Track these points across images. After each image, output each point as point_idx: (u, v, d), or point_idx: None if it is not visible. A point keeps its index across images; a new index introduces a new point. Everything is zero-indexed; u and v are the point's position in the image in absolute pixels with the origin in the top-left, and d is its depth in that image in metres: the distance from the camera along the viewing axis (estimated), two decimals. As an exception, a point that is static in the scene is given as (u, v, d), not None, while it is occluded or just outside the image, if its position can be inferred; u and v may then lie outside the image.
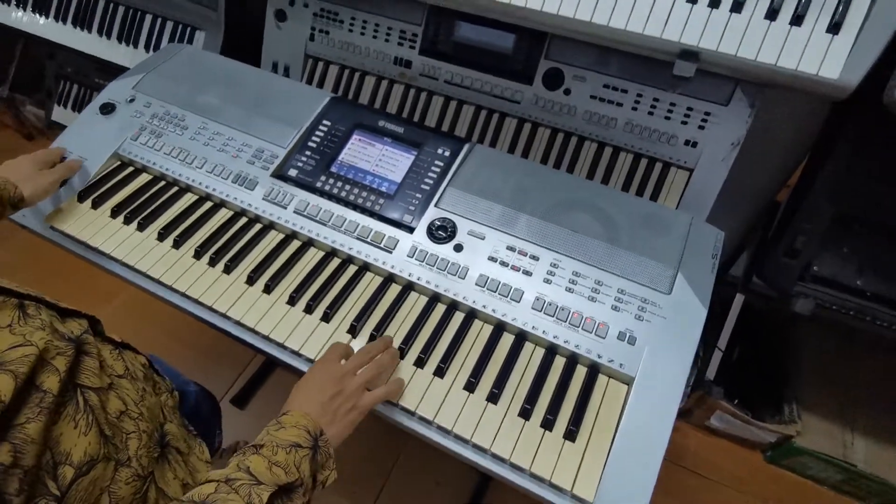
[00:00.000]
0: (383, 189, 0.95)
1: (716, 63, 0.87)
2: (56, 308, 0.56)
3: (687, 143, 1.14)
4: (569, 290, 0.82)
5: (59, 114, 2.05)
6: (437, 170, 0.95)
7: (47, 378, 0.47)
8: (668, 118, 1.14)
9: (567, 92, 1.20)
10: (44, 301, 0.55)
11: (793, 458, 1.52)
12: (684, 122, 1.13)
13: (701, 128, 1.12)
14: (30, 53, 2.10)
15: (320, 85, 1.40)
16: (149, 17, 1.58)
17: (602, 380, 0.77)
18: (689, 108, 1.12)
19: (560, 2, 0.91)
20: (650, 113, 1.15)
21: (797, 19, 0.79)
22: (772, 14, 0.81)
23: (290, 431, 0.60)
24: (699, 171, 1.14)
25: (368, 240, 0.89)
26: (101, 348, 0.60)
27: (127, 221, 0.94)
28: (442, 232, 0.89)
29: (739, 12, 0.82)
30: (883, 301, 1.12)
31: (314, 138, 1.01)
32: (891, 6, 0.75)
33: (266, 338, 0.82)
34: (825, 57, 0.78)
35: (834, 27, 0.78)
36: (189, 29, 1.54)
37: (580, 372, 0.78)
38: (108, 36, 1.63)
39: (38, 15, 1.72)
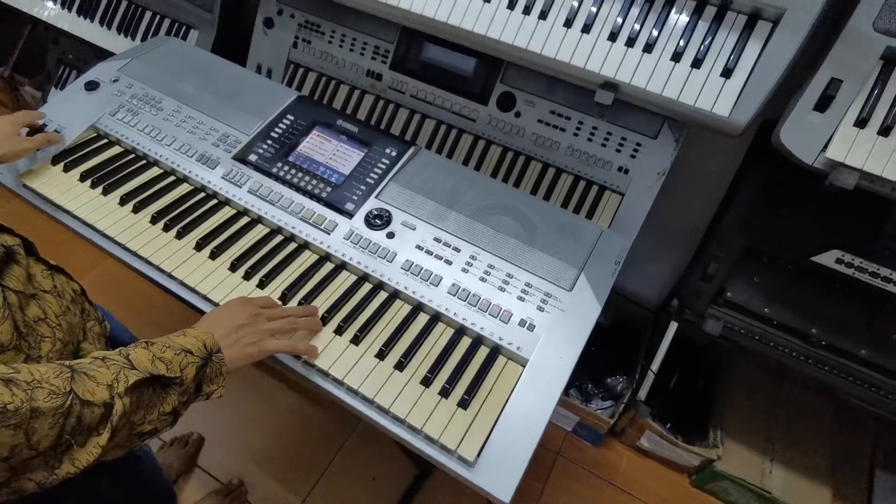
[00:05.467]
0: (332, 179, 1.04)
1: (630, 95, 0.99)
2: None
3: (620, 169, 1.25)
4: (482, 279, 0.91)
5: (54, 96, 2.15)
6: (383, 167, 1.05)
7: None
8: (604, 145, 1.26)
9: (518, 115, 1.32)
10: None
11: (714, 482, 1.59)
12: (618, 151, 1.25)
13: (633, 157, 1.24)
14: (35, 37, 2.21)
15: (299, 89, 1.52)
16: (148, 13, 1.70)
17: (501, 360, 0.85)
18: (623, 139, 1.24)
19: (508, 32, 1.04)
20: (589, 140, 1.27)
21: (697, 63, 0.92)
22: (676, 57, 0.93)
23: (188, 340, 0.66)
24: (629, 196, 1.25)
25: (311, 221, 0.98)
26: (34, 266, 0.67)
27: (94, 185, 1.02)
28: (378, 220, 0.98)
29: (650, 53, 0.94)
30: (787, 330, 1.22)
31: (277, 129, 1.11)
32: (772, 62, 0.87)
33: (205, 298, 0.89)
34: (718, 97, 0.90)
35: (727, 72, 0.90)
36: (184, 27, 1.66)
37: (482, 352, 0.86)
38: (109, 27, 1.75)
39: (47, 1, 1.84)
